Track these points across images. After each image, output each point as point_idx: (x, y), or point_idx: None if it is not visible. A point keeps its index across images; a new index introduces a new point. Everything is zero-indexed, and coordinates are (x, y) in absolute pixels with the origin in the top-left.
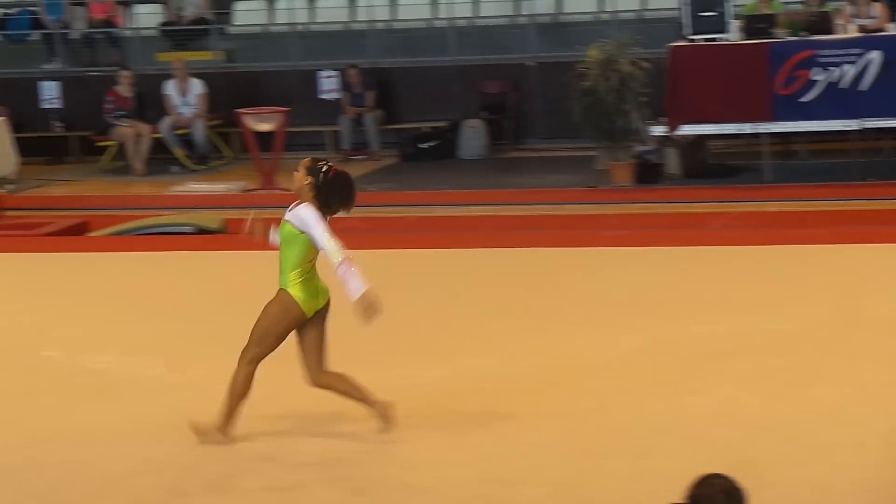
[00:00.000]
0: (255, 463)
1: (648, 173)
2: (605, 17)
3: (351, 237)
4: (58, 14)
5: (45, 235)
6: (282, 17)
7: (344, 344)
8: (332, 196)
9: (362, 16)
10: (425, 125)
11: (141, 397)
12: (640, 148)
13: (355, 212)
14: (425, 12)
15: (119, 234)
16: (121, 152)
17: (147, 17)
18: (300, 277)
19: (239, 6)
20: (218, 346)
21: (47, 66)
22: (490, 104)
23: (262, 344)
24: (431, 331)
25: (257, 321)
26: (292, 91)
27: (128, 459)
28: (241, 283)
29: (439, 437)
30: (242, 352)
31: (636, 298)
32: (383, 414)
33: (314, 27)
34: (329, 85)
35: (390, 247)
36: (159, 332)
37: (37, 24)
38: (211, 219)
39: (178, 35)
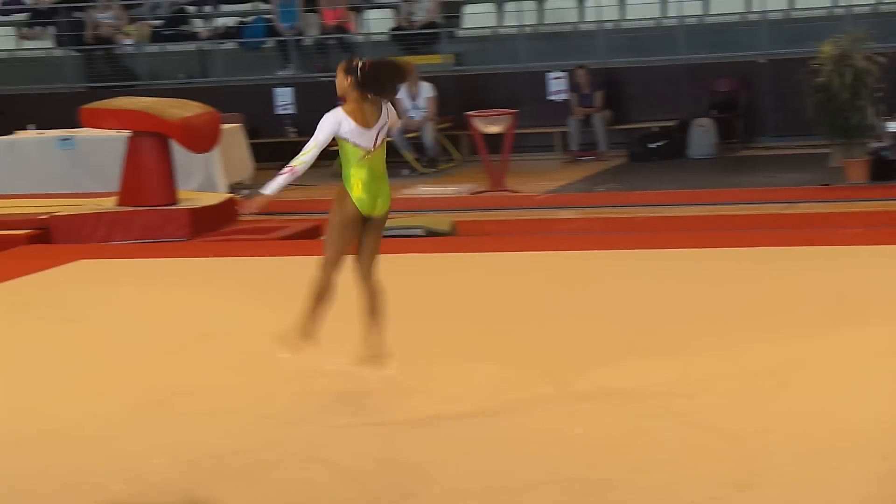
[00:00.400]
0: (484, 465)
1: (884, 170)
2: (838, 11)
3: (579, 238)
4: (292, 21)
5: (279, 239)
6: (510, 20)
7: (575, 344)
8: (377, 85)
9: (591, 16)
10: (654, 125)
11: (374, 399)
12: (875, 144)
13: (584, 212)
14: (655, 11)
15: None
16: None
17: (378, 23)
18: (358, 176)
19: (468, 9)
20: (449, 348)
21: (281, 73)
22: (720, 102)
23: (330, 244)
24: (662, 332)
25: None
26: (521, 93)
27: (361, 459)
28: (472, 285)
29: (670, 439)
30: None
31: (871, 298)
32: (373, 356)
33: (543, 29)
34: (557, 86)
35: (619, 247)
36: (391, 335)
37: (271, 31)
38: (441, 221)
39: (409, 39)
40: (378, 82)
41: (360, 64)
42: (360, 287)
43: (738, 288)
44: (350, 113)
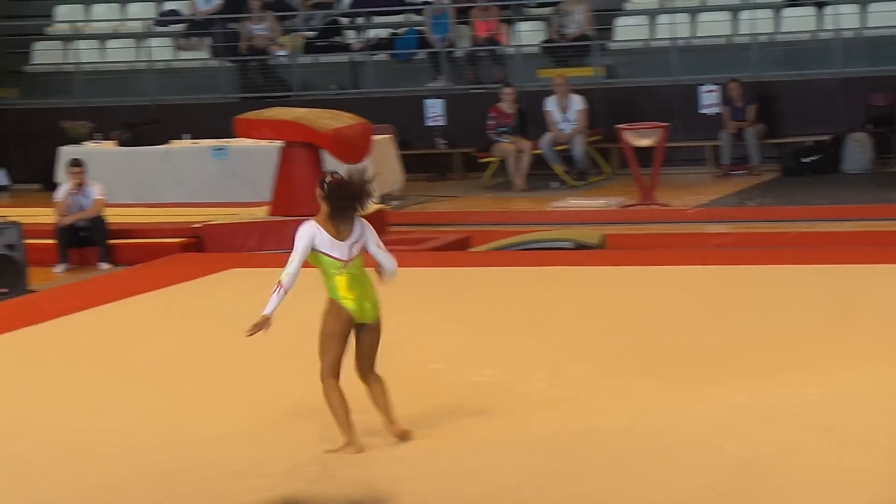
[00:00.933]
0: (636, 479)
1: None
2: None
3: (730, 253)
4: (443, 33)
5: (429, 250)
6: (663, 32)
7: (726, 359)
8: (341, 200)
9: (745, 29)
10: (808, 139)
11: (523, 411)
12: None
13: (735, 227)
14: (810, 24)
15: (500, 249)
16: (502, 168)
17: (529, 35)
18: (342, 285)
19: (620, 22)
20: (600, 361)
21: (432, 85)
22: (876, 117)
23: (326, 353)
24: (816, 348)
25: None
26: (672, 106)
27: (510, 470)
28: (621, 298)
29: (824, 457)
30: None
31: None
32: (397, 434)
33: (695, 41)
34: (709, 99)
35: (771, 263)
36: (540, 347)
37: (423, 43)
38: (590, 234)
39: (560, 52)
40: (338, 201)
41: (327, 180)
42: (364, 382)
43: (893, 304)
44: (322, 224)
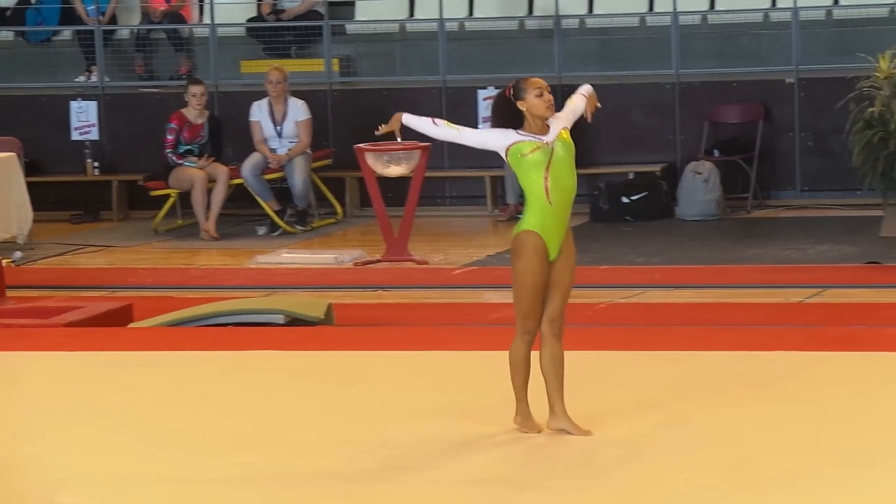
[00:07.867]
0: None
1: None
2: None
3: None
4: (100, 3)
5: (67, 326)
6: (428, 12)
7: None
8: None
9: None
10: (627, 170)
11: None
12: None
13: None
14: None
15: (176, 324)
16: (184, 204)
17: (229, 10)
18: (531, 210)
19: None
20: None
21: (81, 80)
22: (726, 139)
23: (520, 309)
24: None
25: None
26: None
27: None
28: (350, 397)
29: None
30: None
31: None
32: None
33: (470, 24)
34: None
35: (575, 347)
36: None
37: (68, 17)
38: (311, 304)
39: (275, 35)
40: None
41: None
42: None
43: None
44: None
